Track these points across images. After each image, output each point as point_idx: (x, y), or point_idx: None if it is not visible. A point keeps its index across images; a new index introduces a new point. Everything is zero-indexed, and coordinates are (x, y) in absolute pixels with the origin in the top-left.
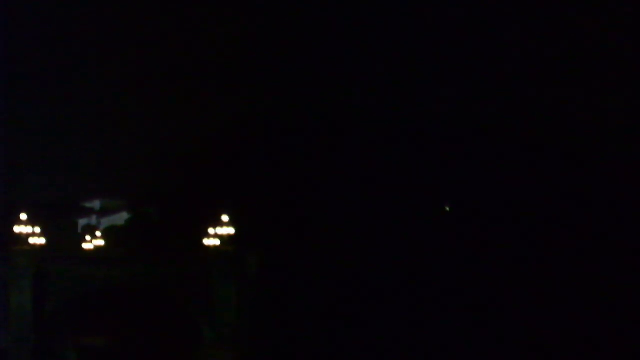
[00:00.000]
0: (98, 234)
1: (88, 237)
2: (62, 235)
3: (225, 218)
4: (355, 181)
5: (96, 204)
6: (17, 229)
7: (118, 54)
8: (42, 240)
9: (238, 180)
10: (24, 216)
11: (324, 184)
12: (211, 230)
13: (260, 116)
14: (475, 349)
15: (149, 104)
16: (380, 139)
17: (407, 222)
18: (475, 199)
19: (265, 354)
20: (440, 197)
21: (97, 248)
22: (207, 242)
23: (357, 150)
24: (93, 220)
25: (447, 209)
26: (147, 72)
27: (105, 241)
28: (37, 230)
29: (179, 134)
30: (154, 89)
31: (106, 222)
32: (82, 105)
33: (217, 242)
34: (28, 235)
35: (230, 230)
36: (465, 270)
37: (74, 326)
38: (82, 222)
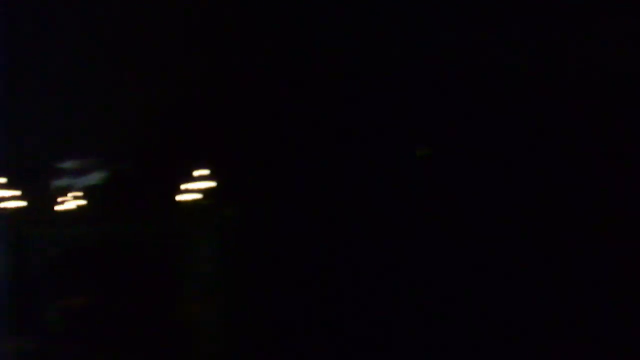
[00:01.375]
0: (74, 194)
1: (64, 198)
2: (39, 197)
3: (203, 172)
4: (340, 131)
5: (71, 165)
6: None
7: (91, 11)
8: (19, 204)
9: (217, 133)
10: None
11: (306, 136)
12: (189, 185)
13: (241, 68)
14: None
15: (119, 60)
16: (368, 91)
17: (395, 174)
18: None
19: (246, 306)
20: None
21: (73, 208)
22: (184, 196)
23: (342, 102)
24: (69, 180)
25: (428, 152)
26: (120, 23)
27: (82, 201)
28: (14, 193)
29: (152, 89)
30: (126, 44)
31: (82, 181)
32: (53, 64)
33: (195, 196)
34: (4, 199)
35: (209, 184)
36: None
37: (55, 288)
38: (58, 183)
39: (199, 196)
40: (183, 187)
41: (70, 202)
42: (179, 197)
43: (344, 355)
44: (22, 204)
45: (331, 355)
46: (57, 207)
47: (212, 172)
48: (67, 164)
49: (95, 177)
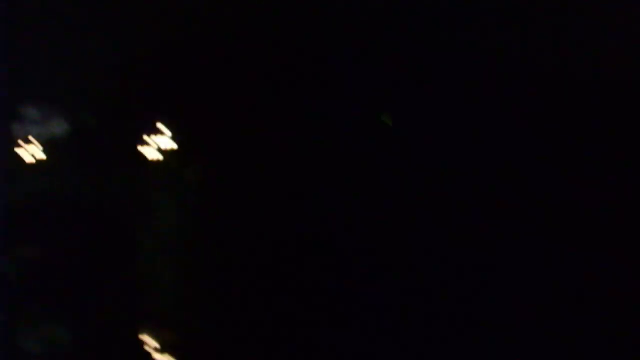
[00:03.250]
0: (34, 144)
1: (25, 147)
2: None
3: (163, 128)
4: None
5: (32, 113)
6: None
7: None
8: None
9: (179, 87)
10: None
11: (271, 98)
12: (150, 140)
13: (209, 19)
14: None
15: (85, 8)
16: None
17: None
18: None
19: (205, 262)
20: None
21: (34, 159)
22: (146, 152)
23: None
24: (30, 130)
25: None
26: None
27: (43, 151)
28: None
29: (117, 36)
30: None
31: (43, 132)
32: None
33: (157, 154)
34: None
35: (170, 143)
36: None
37: (11, 237)
38: (19, 131)
39: (160, 152)
40: (145, 140)
41: (31, 152)
42: (141, 152)
43: (297, 320)
44: None
45: (284, 317)
46: (18, 157)
47: (175, 128)
48: (29, 112)
49: (57, 127)
